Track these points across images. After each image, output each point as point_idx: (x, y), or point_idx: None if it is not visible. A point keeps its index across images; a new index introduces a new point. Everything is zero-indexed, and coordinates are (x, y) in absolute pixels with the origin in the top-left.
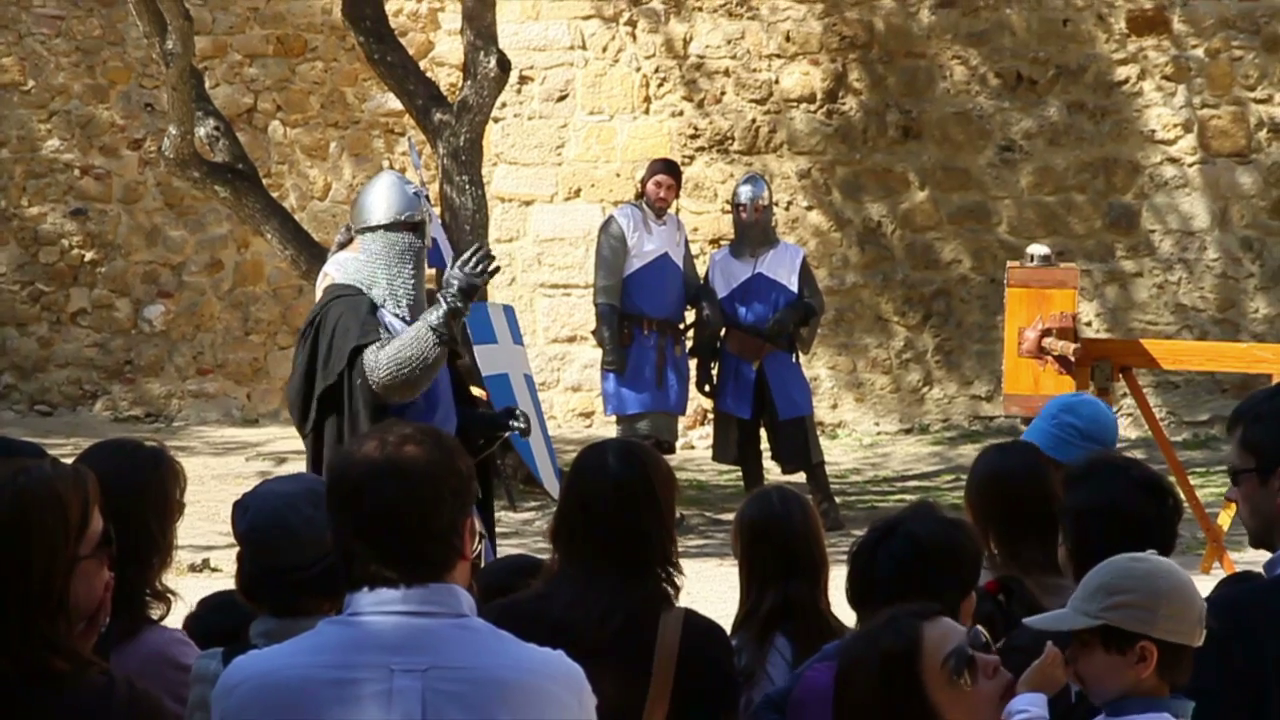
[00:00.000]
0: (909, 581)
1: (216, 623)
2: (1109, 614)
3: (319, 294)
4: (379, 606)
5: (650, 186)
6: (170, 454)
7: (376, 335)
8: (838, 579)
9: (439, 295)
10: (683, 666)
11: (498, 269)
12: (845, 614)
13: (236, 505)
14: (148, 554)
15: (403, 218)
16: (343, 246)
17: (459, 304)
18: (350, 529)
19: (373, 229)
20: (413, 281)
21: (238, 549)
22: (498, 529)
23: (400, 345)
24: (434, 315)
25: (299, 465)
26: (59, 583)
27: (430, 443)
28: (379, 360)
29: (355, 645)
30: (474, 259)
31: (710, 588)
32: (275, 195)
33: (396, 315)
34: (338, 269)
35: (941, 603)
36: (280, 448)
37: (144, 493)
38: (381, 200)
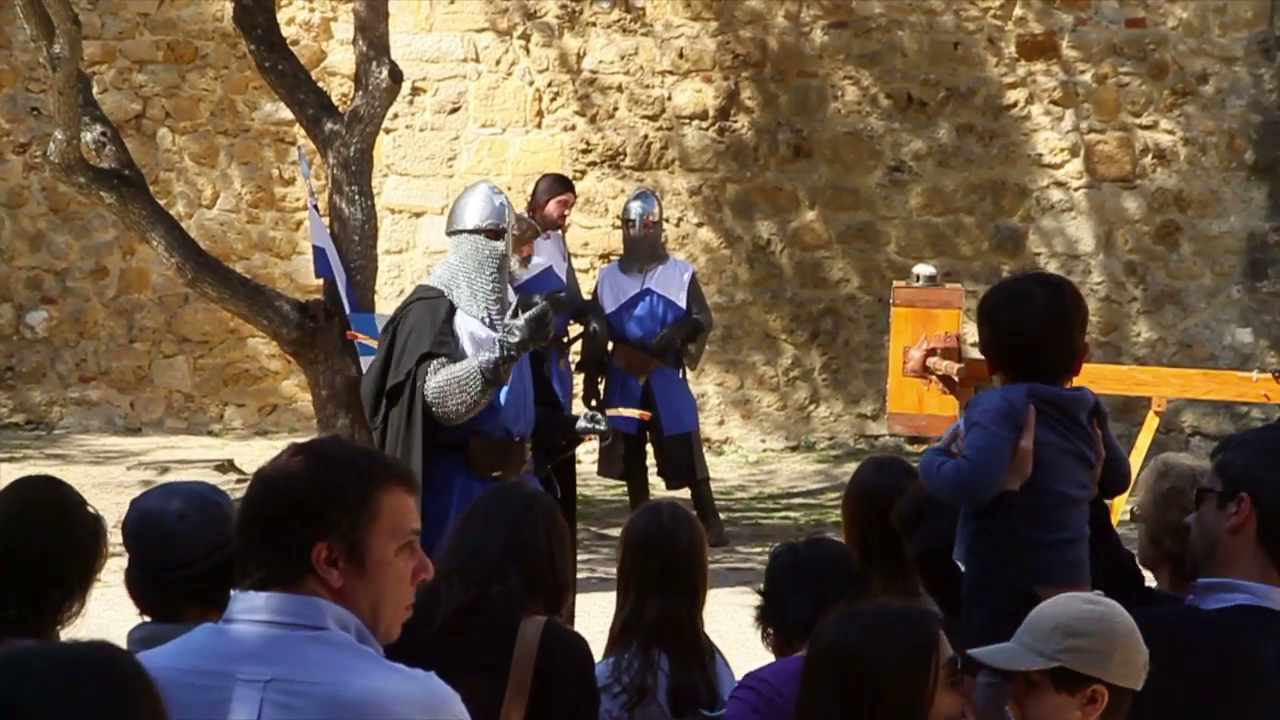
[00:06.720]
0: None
1: None
2: (1065, 656)
3: None
4: (242, 614)
5: (553, 206)
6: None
7: (447, 346)
8: (719, 596)
9: (498, 340)
10: (540, 674)
11: (550, 334)
12: (718, 632)
13: (131, 503)
14: (58, 602)
15: (485, 225)
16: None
17: (513, 353)
18: (235, 530)
19: (461, 232)
20: (491, 285)
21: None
22: None
23: (449, 379)
24: (487, 359)
25: (181, 475)
26: None
27: (318, 460)
28: (431, 382)
29: (214, 652)
30: (537, 321)
31: (593, 602)
32: (163, 203)
33: (478, 318)
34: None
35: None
36: (162, 456)
37: (77, 553)
38: (468, 207)
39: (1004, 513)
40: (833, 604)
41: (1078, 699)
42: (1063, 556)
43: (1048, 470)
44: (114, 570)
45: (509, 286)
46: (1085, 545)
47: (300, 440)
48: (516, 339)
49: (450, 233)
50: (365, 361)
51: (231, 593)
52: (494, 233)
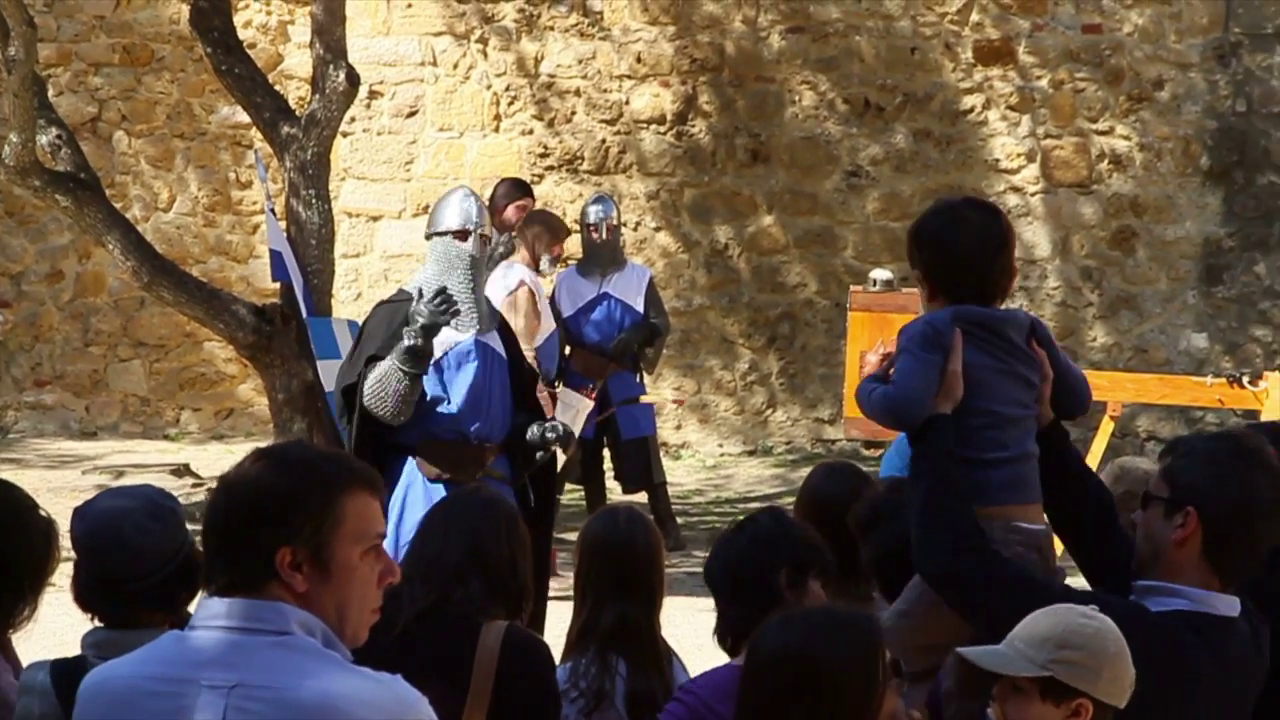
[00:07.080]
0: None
1: None
2: (1056, 667)
3: None
4: (205, 621)
5: (512, 210)
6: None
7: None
8: (676, 602)
9: (404, 331)
10: (502, 678)
11: (456, 311)
12: (676, 637)
13: (76, 511)
14: (9, 605)
15: (455, 227)
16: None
17: (419, 340)
18: (201, 536)
19: (434, 235)
20: (461, 286)
21: (74, 558)
22: None
23: (375, 378)
24: (400, 349)
25: (137, 479)
26: None
27: (280, 465)
28: (365, 384)
29: (178, 658)
30: (437, 299)
31: (550, 607)
32: (119, 206)
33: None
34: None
35: (784, 581)
36: (118, 461)
37: (30, 555)
38: (440, 210)
39: (935, 434)
40: (732, 610)
41: (1062, 710)
42: (1006, 475)
43: (977, 390)
44: (67, 574)
45: (484, 286)
46: (1032, 463)
47: (261, 445)
48: (419, 322)
49: (426, 236)
50: (322, 365)
51: (201, 598)
52: (461, 234)
